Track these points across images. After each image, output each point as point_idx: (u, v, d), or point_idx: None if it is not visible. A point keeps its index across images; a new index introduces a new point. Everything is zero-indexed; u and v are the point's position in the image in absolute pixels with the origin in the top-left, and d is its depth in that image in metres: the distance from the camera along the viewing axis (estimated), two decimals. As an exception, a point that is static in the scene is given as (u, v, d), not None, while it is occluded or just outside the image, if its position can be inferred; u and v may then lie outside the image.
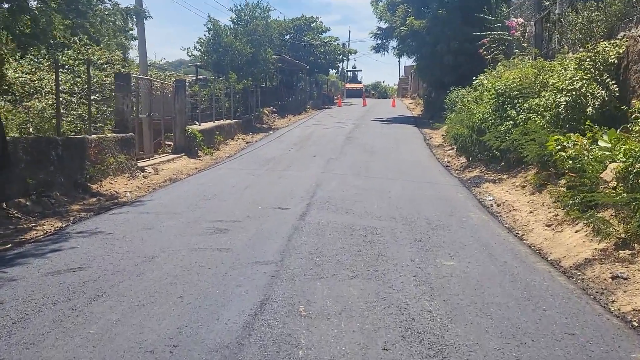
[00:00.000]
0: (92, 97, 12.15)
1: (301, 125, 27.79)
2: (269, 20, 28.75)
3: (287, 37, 42.67)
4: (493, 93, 12.94)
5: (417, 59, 31.01)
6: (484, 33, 20.94)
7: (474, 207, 9.13)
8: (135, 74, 15.79)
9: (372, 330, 4.07)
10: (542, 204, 8.80)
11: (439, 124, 24.48)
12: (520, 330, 4.11)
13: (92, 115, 12.00)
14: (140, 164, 13.51)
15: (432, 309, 4.50)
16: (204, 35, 26.46)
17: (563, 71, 10.39)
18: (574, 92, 9.64)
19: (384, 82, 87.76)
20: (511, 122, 11.77)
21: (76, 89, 12.62)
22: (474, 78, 17.31)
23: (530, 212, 8.57)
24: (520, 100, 12.13)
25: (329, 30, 46.16)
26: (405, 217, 8.14)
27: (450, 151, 17.33)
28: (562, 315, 4.44)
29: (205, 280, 5.16)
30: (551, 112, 10.43)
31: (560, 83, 10.07)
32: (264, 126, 27.07)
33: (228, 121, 22.42)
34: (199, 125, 18.78)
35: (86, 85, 13.05)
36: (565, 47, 13.07)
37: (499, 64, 18.32)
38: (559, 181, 9.40)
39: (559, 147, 8.36)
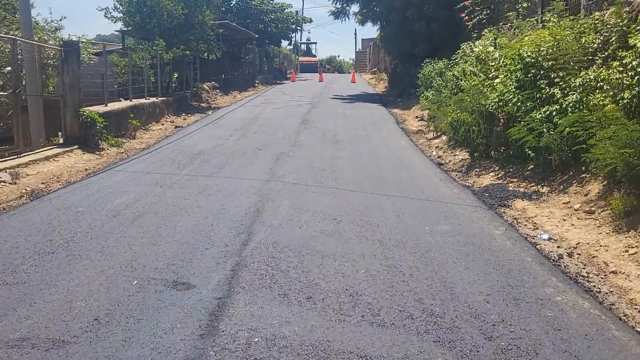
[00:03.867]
0: None
1: (247, 104, 23.16)
2: (208, -24, 23.71)
3: (233, 2, 37.46)
4: (518, 63, 8.89)
5: (382, 27, 26.76)
6: (466, -6, 17.28)
7: (538, 266, 5.04)
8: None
9: None
10: (665, 261, 4.82)
11: (412, 103, 20.65)
12: None
13: None
14: (-5, 165, 8.86)
15: None
16: (126, -9, 21.33)
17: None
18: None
19: (339, 56, 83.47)
20: (556, 106, 7.76)
21: None
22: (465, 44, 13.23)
23: (654, 282, 4.57)
24: (561, 74, 8.16)
25: (280, -4, 41.20)
26: (431, 310, 3.96)
27: (437, 140, 13.30)
28: None
29: None
30: (631, 92, 6.54)
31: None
32: (202, 105, 22.31)
33: (152, 99, 17.52)
34: (105, 105, 13.97)
35: None
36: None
37: (485, 30, 14.58)
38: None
39: None
